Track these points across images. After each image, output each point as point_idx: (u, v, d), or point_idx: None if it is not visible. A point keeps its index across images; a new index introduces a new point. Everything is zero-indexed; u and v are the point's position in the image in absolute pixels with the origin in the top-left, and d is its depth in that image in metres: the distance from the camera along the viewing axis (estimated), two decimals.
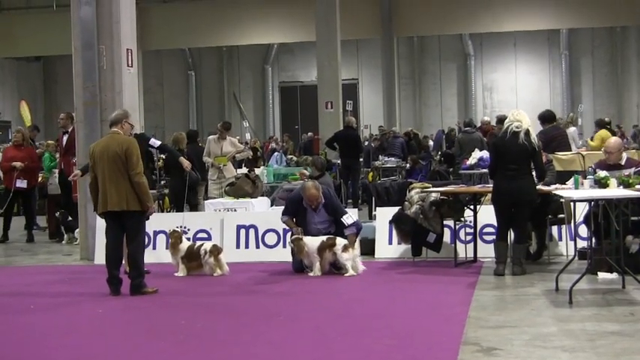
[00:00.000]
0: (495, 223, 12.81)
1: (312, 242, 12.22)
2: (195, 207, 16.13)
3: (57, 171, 18.40)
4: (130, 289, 11.02)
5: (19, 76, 48.45)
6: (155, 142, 14.38)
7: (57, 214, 17.71)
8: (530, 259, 12.88)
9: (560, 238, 13.48)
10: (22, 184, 17.90)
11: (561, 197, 11.12)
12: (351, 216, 12.78)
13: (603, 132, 20.08)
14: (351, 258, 12.12)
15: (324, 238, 12.24)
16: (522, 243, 12.03)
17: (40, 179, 20.06)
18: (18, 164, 17.82)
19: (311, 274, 12.23)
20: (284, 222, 13.07)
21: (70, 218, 17.11)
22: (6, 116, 45.80)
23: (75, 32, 14.76)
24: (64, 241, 17.35)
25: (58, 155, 18.96)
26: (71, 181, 16.22)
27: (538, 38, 44.15)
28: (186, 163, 14.95)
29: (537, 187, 12.05)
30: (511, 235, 12.10)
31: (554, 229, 13.37)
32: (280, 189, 18.40)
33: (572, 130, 20.37)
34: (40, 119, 45.48)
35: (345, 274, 12.05)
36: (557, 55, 44.54)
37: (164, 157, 18.08)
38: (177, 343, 8.26)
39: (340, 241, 12.16)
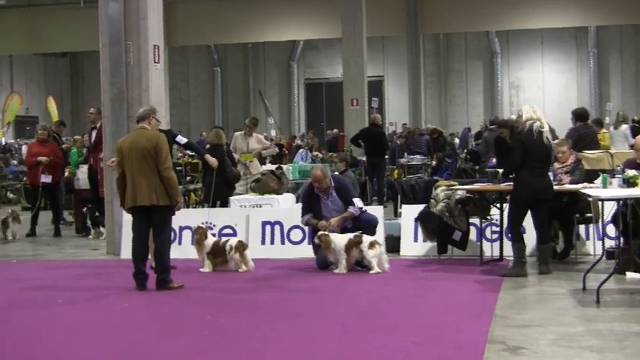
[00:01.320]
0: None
1: (340, 239, 12.21)
2: (226, 203, 16.05)
3: (85, 166, 18.49)
4: (155, 284, 11.06)
5: (46, 72, 48.72)
6: (182, 140, 14.39)
7: (84, 209, 17.78)
8: (557, 258, 12.84)
9: (588, 238, 13.42)
10: (46, 178, 18.01)
11: (589, 196, 11.05)
12: (360, 201, 13.07)
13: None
14: (377, 255, 12.10)
15: (351, 235, 12.23)
16: (548, 243, 11.96)
17: (66, 174, 20.18)
18: (43, 159, 17.93)
19: (336, 271, 12.22)
20: (305, 222, 13.11)
21: (97, 213, 17.17)
22: (33, 112, 46.10)
23: (102, 29, 14.80)
24: (90, 236, 17.42)
25: (85, 150, 19.06)
26: (99, 177, 16.32)
27: (566, 36, 43.92)
28: (212, 161, 14.99)
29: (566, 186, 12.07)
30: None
31: (582, 228, 13.32)
32: (305, 185, 18.39)
33: (624, 128, 20.18)
34: (67, 115, 45.78)
35: (371, 272, 12.04)
36: (585, 53, 44.30)
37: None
38: (203, 339, 8.27)
39: (367, 239, 12.15)
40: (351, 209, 12.74)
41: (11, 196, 27.19)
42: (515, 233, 11.83)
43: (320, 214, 12.81)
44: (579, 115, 16.06)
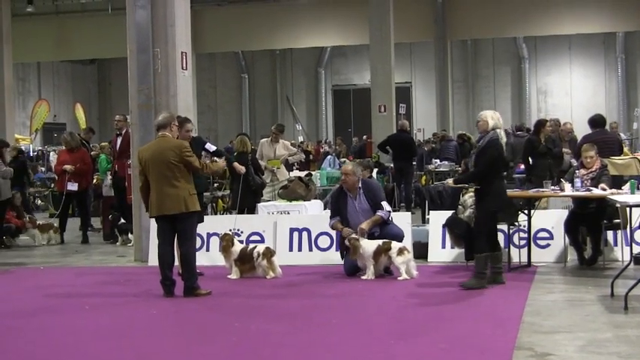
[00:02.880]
0: (548, 228, 12.83)
1: (369, 245, 12.20)
2: (253, 210, 16.07)
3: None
4: (183, 291, 11.06)
5: (74, 79, 48.99)
6: (210, 147, 14.40)
7: (109, 216, 17.87)
8: (585, 264, 12.80)
9: (616, 244, 13.33)
10: (72, 186, 18.12)
11: (617, 202, 10.99)
12: (388, 205, 13.03)
13: None
14: (405, 262, 12.07)
15: (381, 242, 12.21)
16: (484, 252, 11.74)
17: (95, 181, 20.27)
18: (68, 167, 18.05)
19: (364, 277, 12.21)
20: (331, 226, 13.06)
21: (122, 220, 17.25)
22: (61, 119, 46.32)
23: (130, 35, 14.87)
24: (117, 243, 17.47)
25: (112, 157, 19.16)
26: (125, 183, 16.37)
27: (594, 41, 43.74)
28: (239, 168, 14.99)
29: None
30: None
31: (610, 234, 13.23)
32: (335, 187, 18.40)
33: None
34: (94, 121, 46.00)
35: (399, 278, 12.02)
36: (613, 59, 44.10)
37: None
38: (231, 346, 8.29)
39: (395, 245, 12.13)
40: (380, 213, 12.69)
41: (39, 202, 27.36)
42: (492, 242, 11.56)
43: (346, 213, 12.78)
44: (594, 122, 15.98)
